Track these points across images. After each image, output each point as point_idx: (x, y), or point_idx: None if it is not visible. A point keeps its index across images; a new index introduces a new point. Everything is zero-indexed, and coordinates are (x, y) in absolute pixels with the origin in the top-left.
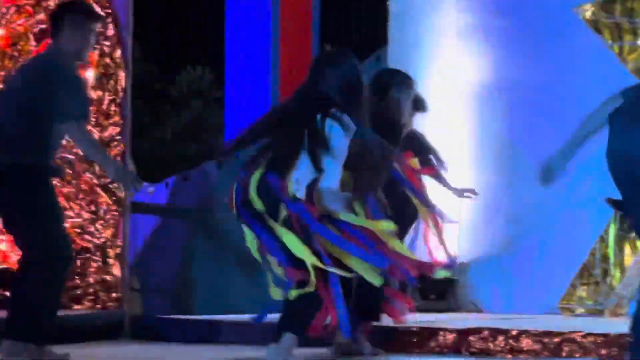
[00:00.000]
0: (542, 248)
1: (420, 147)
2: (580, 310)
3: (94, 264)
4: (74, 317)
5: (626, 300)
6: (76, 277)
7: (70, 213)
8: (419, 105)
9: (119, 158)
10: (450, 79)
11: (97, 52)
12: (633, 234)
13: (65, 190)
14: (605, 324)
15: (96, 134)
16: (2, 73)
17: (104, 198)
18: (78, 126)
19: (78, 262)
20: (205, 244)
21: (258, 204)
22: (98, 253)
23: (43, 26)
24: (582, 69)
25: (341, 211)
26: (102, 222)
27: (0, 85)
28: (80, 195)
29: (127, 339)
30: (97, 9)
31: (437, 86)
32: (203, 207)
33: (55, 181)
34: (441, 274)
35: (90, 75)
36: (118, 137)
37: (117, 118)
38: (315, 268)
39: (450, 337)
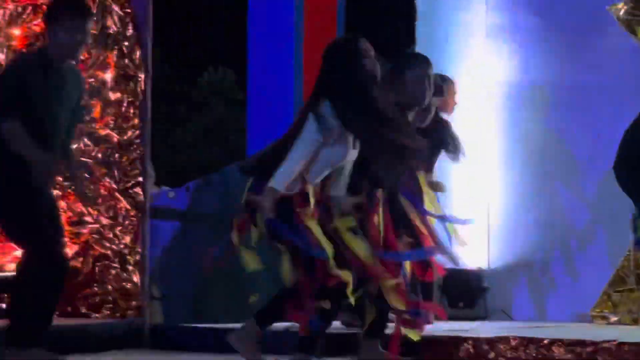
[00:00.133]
0: (575, 254)
1: (444, 134)
2: (614, 318)
3: (113, 271)
4: (92, 326)
5: None
6: (94, 284)
7: (88, 219)
8: (436, 89)
9: (138, 162)
10: (479, 79)
11: (115, 53)
12: None
13: None
14: None
15: (115, 137)
16: None
17: (123, 203)
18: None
19: (96, 269)
20: (227, 250)
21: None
22: (117, 260)
23: None
24: (615, 69)
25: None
26: (121, 227)
27: None
28: (99, 201)
29: (147, 348)
30: (116, 8)
31: (465, 86)
32: (225, 212)
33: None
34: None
35: (108, 76)
36: (137, 141)
37: (136, 121)
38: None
39: (479, 346)
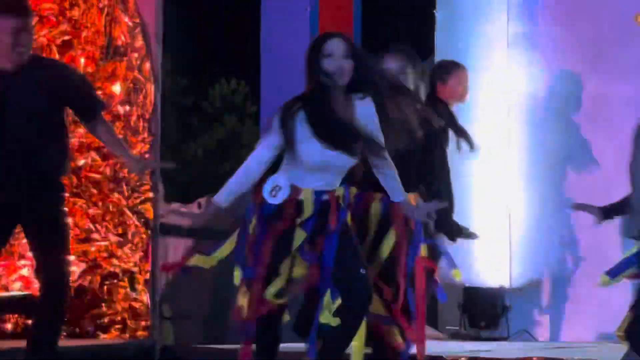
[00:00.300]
0: (599, 272)
1: (451, 126)
2: None
3: (122, 290)
4: (101, 347)
5: None
6: (103, 304)
7: (96, 236)
8: (437, 76)
9: (148, 177)
10: (500, 90)
11: (124, 65)
12: None
13: (91, 211)
14: None
15: None
16: None
17: (132, 220)
18: None
19: (105, 288)
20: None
21: None
22: (126, 278)
23: (66, 37)
24: (639, 80)
25: None
26: (130, 245)
27: None
28: (108, 217)
29: None
30: (125, 19)
31: (486, 97)
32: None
33: (81, 202)
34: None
35: (117, 89)
36: (147, 155)
37: (145, 134)
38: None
39: None
